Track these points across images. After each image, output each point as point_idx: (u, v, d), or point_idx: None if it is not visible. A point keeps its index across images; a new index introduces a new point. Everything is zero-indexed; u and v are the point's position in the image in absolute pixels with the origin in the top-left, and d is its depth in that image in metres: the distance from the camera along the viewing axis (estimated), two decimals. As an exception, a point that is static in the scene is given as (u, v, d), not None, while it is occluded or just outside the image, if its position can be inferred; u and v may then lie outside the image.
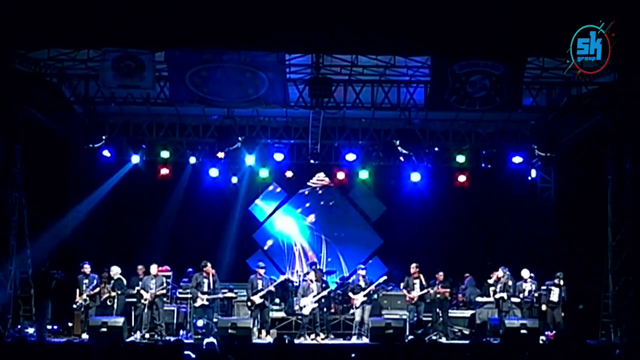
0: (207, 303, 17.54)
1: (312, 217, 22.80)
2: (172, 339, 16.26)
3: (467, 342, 16.22)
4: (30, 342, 15.42)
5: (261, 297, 17.75)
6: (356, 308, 18.04)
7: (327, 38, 15.91)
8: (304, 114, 18.89)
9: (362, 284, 18.12)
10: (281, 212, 22.85)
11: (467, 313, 18.99)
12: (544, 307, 17.78)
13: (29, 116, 17.77)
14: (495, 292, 17.85)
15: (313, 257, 22.17)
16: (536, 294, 17.89)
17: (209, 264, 17.80)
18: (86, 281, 17.71)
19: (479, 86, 16.59)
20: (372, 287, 18.15)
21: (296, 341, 16.40)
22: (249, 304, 17.88)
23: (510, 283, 17.94)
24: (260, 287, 17.84)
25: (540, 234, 21.18)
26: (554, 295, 17.67)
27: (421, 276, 18.05)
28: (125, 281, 18.03)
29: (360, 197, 22.77)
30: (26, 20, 15.40)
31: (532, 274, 18.05)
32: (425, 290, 17.90)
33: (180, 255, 20.50)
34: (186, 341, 15.78)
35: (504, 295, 17.58)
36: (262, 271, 18.11)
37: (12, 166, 17.27)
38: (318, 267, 20.26)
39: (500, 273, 17.99)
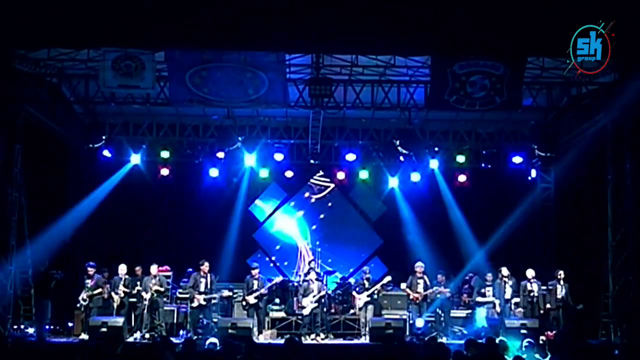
0: (204, 303, 17.56)
1: (312, 217, 22.80)
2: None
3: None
4: (30, 342, 15.41)
5: (255, 298, 17.78)
6: (359, 309, 18.08)
7: (327, 38, 15.90)
8: (304, 114, 18.89)
9: (365, 283, 18.17)
10: (281, 212, 22.86)
11: (467, 313, 18.99)
12: (548, 305, 17.75)
13: (29, 116, 17.77)
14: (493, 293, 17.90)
15: (312, 257, 22.15)
16: (537, 294, 17.87)
17: (205, 263, 17.82)
18: (88, 281, 17.73)
19: (479, 86, 16.59)
20: (378, 286, 18.18)
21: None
22: (244, 303, 17.94)
23: (511, 283, 17.97)
24: (255, 287, 17.87)
25: (540, 234, 21.18)
26: (560, 293, 17.66)
27: (425, 276, 18.08)
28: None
29: (360, 197, 22.78)
30: (26, 20, 15.39)
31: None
32: (430, 290, 17.93)
33: (180, 255, 20.50)
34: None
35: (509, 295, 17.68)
36: (255, 272, 18.13)
37: (12, 166, 17.27)
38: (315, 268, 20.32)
39: (505, 272, 18.01)
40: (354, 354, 16.28)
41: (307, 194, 22.84)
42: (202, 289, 17.63)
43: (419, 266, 18.20)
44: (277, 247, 22.68)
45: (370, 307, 18.02)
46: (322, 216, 22.78)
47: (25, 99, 17.53)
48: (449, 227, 21.58)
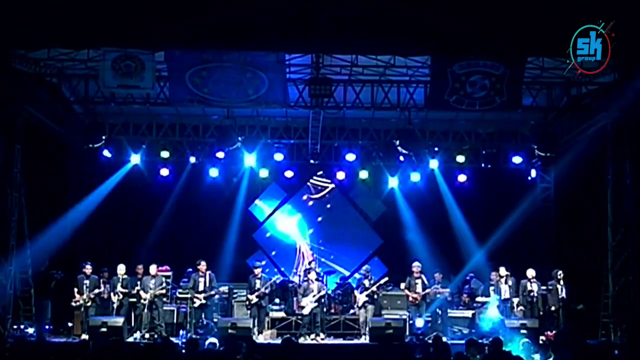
0: (204, 302, 17.57)
1: (312, 217, 22.80)
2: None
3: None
4: (30, 342, 15.42)
5: (257, 297, 17.80)
6: (359, 308, 18.12)
7: (327, 38, 15.91)
8: (304, 114, 18.89)
9: (366, 283, 18.19)
10: (281, 212, 22.86)
11: (467, 313, 18.98)
12: (553, 307, 17.74)
13: (29, 116, 17.77)
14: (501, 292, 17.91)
15: (312, 256, 22.16)
16: (536, 294, 17.88)
17: (202, 262, 17.86)
18: (87, 281, 17.74)
19: (479, 86, 16.59)
20: (374, 287, 18.19)
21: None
22: (247, 303, 17.97)
23: (510, 283, 17.98)
24: (257, 286, 17.90)
25: (540, 234, 21.18)
26: (560, 293, 17.65)
27: (422, 276, 18.08)
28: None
29: (360, 197, 22.77)
30: (26, 20, 15.40)
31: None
32: (427, 290, 17.93)
33: (180, 255, 20.47)
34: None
35: (507, 295, 17.68)
36: (257, 271, 18.16)
37: (12, 166, 17.27)
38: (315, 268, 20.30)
39: (503, 272, 18.02)
40: (353, 354, 16.27)
41: (305, 197, 22.82)
42: (201, 288, 17.66)
43: (416, 266, 18.20)
44: (277, 247, 22.67)
45: (370, 307, 18.03)
46: (319, 219, 22.75)
47: (25, 99, 17.53)
48: (448, 227, 21.59)
